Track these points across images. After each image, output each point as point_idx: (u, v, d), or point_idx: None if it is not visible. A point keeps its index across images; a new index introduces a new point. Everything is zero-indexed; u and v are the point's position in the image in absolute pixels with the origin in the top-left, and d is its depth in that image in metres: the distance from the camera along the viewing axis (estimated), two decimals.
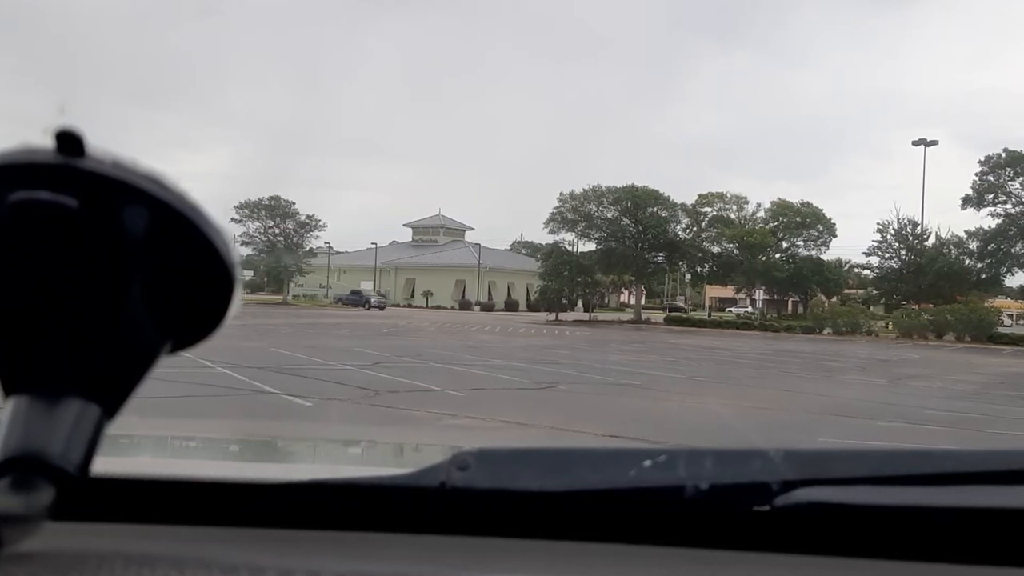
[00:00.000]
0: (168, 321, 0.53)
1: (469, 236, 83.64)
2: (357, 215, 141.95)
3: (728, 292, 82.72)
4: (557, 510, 0.77)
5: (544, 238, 75.85)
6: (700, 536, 0.77)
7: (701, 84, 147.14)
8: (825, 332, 44.98)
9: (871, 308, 49.49)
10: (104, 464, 0.55)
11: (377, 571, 0.68)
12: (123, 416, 0.54)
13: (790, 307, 65.46)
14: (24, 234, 0.48)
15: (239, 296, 0.53)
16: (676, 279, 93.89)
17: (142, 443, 1.40)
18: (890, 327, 45.30)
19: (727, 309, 77.44)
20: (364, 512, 0.79)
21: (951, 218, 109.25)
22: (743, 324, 48.12)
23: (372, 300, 61.50)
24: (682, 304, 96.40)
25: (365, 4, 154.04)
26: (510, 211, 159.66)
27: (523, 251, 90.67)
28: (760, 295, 52.43)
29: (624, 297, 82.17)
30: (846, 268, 64.53)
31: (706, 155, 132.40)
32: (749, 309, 73.55)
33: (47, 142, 0.47)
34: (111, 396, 0.53)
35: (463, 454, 0.80)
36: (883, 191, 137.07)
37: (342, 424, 8.20)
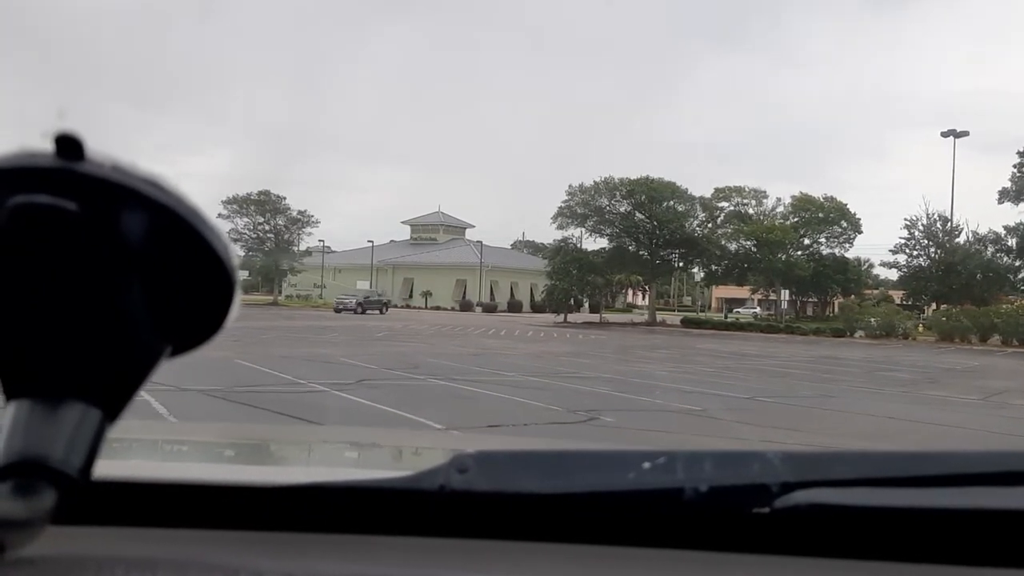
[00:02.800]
0: (168, 324, 0.53)
1: (470, 234, 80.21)
2: (357, 216, 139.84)
3: (736, 293, 79.55)
4: (556, 513, 0.77)
5: (547, 237, 72.48)
6: (699, 538, 0.76)
7: (699, 85, 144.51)
8: (856, 335, 41.58)
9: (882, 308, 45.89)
10: (105, 468, 0.54)
11: (377, 574, 0.69)
12: (124, 420, 0.54)
13: (804, 308, 61.84)
14: (24, 238, 0.48)
15: (239, 299, 0.53)
16: (683, 279, 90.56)
17: (143, 447, 1.40)
18: (921, 328, 41.89)
19: (735, 310, 74.21)
20: (364, 515, 0.79)
21: (957, 215, 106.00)
22: (767, 327, 44.61)
23: (347, 302, 51.13)
24: (690, 304, 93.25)
25: (364, 5, 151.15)
26: (511, 211, 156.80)
27: (525, 250, 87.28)
28: (785, 295, 48.84)
29: (631, 297, 78.76)
30: (865, 267, 61.09)
31: (705, 155, 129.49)
32: (758, 311, 70.28)
33: (46, 146, 0.46)
34: (112, 400, 0.53)
35: (462, 456, 0.79)
36: (882, 191, 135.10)
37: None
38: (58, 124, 0.47)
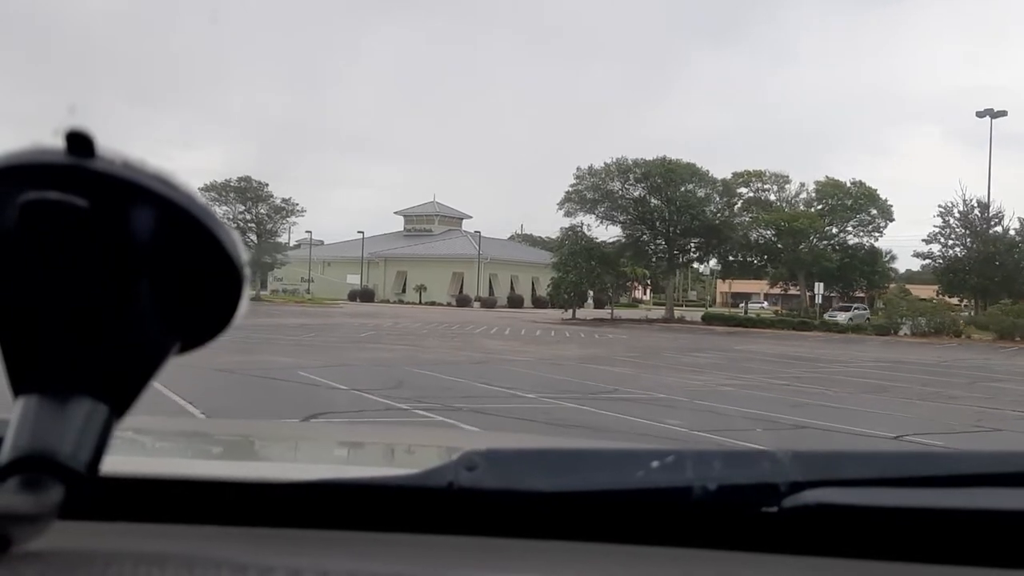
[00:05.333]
0: (177, 321, 0.53)
1: (467, 225, 75.46)
2: (351, 211, 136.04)
3: (742, 287, 75.13)
4: (565, 511, 0.77)
5: (544, 230, 67.83)
6: (708, 537, 0.76)
7: (693, 81, 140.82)
8: (901, 333, 37.16)
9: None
10: (113, 463, 0.55)
11: (385, 571, 0.69)
12: (132, 415, 0.54)
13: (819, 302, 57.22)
14: (34, 234, 0.48)
15: (248, 296, 0.53)
16: (687, 273, 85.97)
17: (152, 442, 1.40)
18: (962, 324, 37.47)
19: (740, 305, 69.85)
20: (372, 512, 0.80)
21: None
22: (800, 323, 40.08)
23: None
24: (696, 299, 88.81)
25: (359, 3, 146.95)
26: (507, 207, 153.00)
27: (523, 244, 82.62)
28: (819, 289, 44.22)
29: (637, 292, 74.17)
30: (887, 258, 56.50)
31: (704, 151, 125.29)
32: (765, 305, 65.78)
33: (57, 142, 0.47)
34: (120, 395, 0.53)
35: (471, 454, 0.79)
36: (878, 185, 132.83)
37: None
38: (69, 121, 0.47)
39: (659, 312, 49.46)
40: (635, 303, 71.66)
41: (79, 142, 0.46)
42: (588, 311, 46.83)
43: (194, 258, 0.51)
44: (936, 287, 47.64)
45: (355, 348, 19.91)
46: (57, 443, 0.50)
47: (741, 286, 76.91)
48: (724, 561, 0.75)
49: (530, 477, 0.77)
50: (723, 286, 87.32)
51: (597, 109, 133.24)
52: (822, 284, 44.47)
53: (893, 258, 57.75)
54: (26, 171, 0.47)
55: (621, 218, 44.54)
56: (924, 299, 40.08)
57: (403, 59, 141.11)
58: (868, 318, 42.36)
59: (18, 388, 0.52)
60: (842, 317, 41.45)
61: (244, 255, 0.52)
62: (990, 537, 0.73)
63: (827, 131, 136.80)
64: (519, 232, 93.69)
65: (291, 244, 63.17)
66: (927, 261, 49.46)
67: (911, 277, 64.40)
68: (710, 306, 75.54)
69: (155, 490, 0.81)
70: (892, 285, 55.02)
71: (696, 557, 0.76)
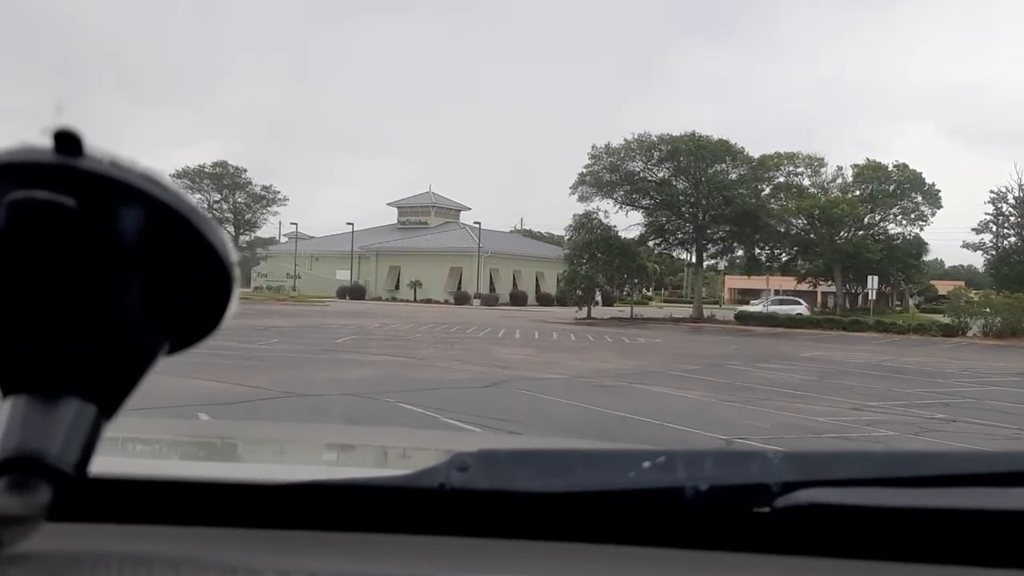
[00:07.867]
0: (166, 321, 0.53)
1: (465, 218, 70.25)
2: (347, 208, 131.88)
3: (746, 283, 70.43)
4: (556, 511, 0.78)
5: (544, 227, 62.79)
6: (699, 538, 0.77)
7: (693, 78, 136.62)
8: (970, 333, 32.18)
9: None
10: (102, 464, 0.54)
11: (375, 572, 0.69)
12: (121, 416, 0.53)
13: (847, 300, 52.13)
14: (22, 233, 0.48)
15: (237, 296, 0.53)
16: (700, 269, 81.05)
17: (140, 444, 1.38)
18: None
19: (751, 302, 64.86)
20: (363, 513, 0.80)
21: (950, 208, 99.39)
22: (851, 323, 34.99)
23: None
24: (704, 296, 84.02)
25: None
26: (504, 204, 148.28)
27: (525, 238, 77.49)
28: (873, 284, 39.21)
29: (645, 288, 69.10)
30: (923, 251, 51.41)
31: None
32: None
33: (45, 141, 0.46)
34: (109, 396, 0.53)
35: (463, 455, 0.79)
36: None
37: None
38: (56, 120, 0.46)
39: (673, 310, 44.47)
40: (644, 300, 66.69)
41: (67, 141, 0.46)
42: (600, 309, 41.77)
43: (183, 258, 0.50)
44: (962, 283, 42.90)
45: (323, 362, 14.80)
46: (45, 444, 0.49)
47: (744, 282, 72.20)
48: (716, 562, 0.75)
49: (522, 478, 0.76)
50: (732, 282, 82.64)
51: (597, 105, 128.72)
52: (876, 278, 39.38)
53: (926, 250, 52.97)
54: (13, 170, 0.47)
55: (643, 203, 39.36)
56: (1006, 295, 34.90)
57: (399, 53, 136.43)
58: (800, 313, 38.69)
59: (7, 389, 0.51)
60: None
61: (234, 255, 0.51)
62: (982, 537, 0.73)
63: (815, 129, 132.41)
64: (518, 227, 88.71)
65: (279, 239, 58.15)
66: (978, 252, 44.72)
67: (985, 268, 59.81)
68: (722, 304, 70.60)
69: (143, 491, 0.81)
70: (950, 283, 50.26)
71: (688, 558, 0.75)
